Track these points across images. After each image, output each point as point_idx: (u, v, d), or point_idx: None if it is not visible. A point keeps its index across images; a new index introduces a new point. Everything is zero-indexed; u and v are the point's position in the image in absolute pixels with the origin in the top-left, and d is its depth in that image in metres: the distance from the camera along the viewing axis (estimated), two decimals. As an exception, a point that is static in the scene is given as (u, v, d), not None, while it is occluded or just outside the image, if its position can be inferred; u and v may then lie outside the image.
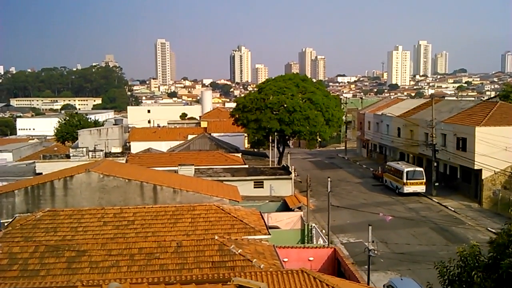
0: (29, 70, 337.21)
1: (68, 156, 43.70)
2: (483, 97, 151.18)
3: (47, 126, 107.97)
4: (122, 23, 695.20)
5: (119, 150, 60.58)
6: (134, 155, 48.17)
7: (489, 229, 35.38)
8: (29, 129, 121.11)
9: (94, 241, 19.73)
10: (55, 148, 66.98)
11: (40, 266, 17.74)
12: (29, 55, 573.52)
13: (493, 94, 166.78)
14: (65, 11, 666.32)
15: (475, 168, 42.50)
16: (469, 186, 44.98)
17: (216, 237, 19.63)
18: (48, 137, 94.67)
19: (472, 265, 10.97)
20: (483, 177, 42.69)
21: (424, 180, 46.48)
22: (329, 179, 31.66)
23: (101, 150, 45.98)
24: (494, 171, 41.97)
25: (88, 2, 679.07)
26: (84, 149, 43.44)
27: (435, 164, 47.41)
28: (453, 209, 41.74)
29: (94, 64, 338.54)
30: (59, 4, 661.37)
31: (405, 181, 46.29)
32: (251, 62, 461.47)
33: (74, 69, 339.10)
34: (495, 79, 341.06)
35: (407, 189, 46.26)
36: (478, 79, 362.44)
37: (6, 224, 23.05)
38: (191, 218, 22.33)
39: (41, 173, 35.74)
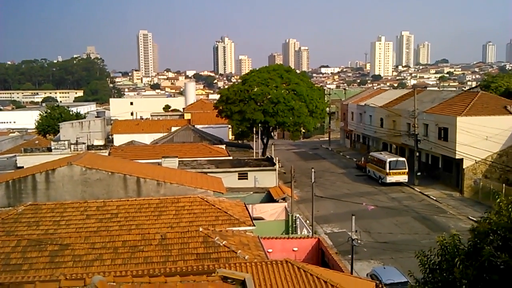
0: (9, 63, 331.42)
1: (49, 149, 43.17)
2: (465, 87, 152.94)
3: (28, 119, 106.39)
4: (104, 14, 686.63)
5: (101, 143, 59.95)
6: (117, 148, 47.80)
7: (470, 217, 36.00)
8: (10, 122, 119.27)
9: (77, 234, 19.60)
10: (37, 142, 66.10)
11: (22, 260, 17.58)
12: (8, 48, 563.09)
13: (474, 84, 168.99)
14: (46, 2, 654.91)
15: (457, 157, 43.10)
16: (451, 176, 45.62)
17: (201, 229, 19.65)
18: (29, 130, 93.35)
19: (452, 253, 11.15)
20: (464, 167, 43.34)
21: (407, 170, 46.95)
22: (313, 170, 31.84)
23: (83, 143, 45.50)
24: (475, 160, 42.66)
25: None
26: (66, 142, 42.95)
27: (417, 154, 47.92)
28: (435, 198, 42.34)
29: (75, 56, 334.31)
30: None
31: (387, 171, 46.72)
32: (234, 53, 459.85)
33: (55, 61, 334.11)
34: (476, 69, 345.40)
35: (390, 179, 46.70)
36: (460, 69, 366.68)
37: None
38: (175, 210, 22.30)
39: (22, 167, 35.28)
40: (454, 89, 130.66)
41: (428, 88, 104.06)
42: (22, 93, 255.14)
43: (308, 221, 33.70)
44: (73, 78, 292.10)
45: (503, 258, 9.83)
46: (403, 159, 48.40)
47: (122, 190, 25.22)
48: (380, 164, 48.36)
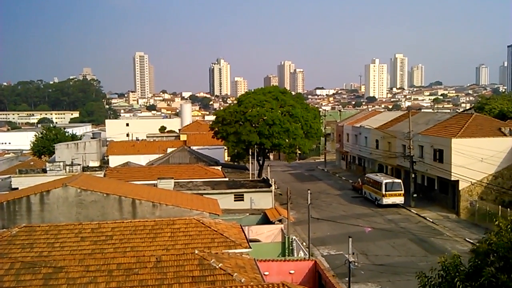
0: (5, 84, 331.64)
1: (44, 171, 42.95)
2: (459, 109, 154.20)
3: (23, 140, 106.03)
4: (100, 36, 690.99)
5: (97, 164, 59.77)
6: (112, 169, 47.57)
7: (467, 239, 35.85)
8: (5, 143, 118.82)
9: (71, 257, 19.34)
10: (32, 163, 65.84)
11: (16, 283, 17.29)
12: (5, 69, 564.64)
13: (468, 106, 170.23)
14: (42, 23, 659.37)
15: (452, 179, 43.12)
16: (447, 197, 45.60)
17: (196, 252, 19.45)
18: (24, 151, 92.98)
19: (453, 274, 11.08)
20: (460, 188, 43.34)
21: (403, 192, 46.92)
22: (309, 191, 31.74)
23: (79, 164, 45.35)
24: (471, 182, 42.67)
25: (65, 15, 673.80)
26: (61, 163, 42.79)
27: (413, 175, 47.99)
28: (431, 220, 42.21)
29: (71, 77, 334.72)
30: (35, 17, 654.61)
31: (384, 192, 46.66)
32: (230, 75, 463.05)
33: (51, 82, 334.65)
34: (470, 92, 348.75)
35: (386, 200, 46.62)
36: (454, 91, 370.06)
37: (-20, 241, 22.45)
38: (170, 232, 22.09)
39: (17, 188, 35.01)
40: (448, 111, 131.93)
41: (422, 110, 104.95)
42: (18, 114, 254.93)
43: (304, 243, 33.46)
44: (69, 99, 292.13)
45: (503, 279, 9.78)
46: (399, 180, 48.39)
47: (117, 212, 25.03)
48: (376, 185, 48.31)
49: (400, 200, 46.74)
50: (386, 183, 46.98)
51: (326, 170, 74.46)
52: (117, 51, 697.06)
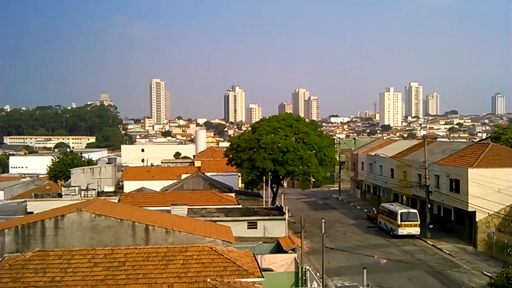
0: (24, 108, 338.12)
1: (60, 195, 43.23)
2: (475, 139, 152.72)
3: (40, 165, 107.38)
4: (118, 62, 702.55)
5: (112, 189, 60.08)
6: (126, 194, 47.72)
7: (485, 272, 34.99)
8: (22, 167, 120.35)
9: (83, 282, 19.31)
10: (47, 187, 66.46)
11: (27, 309, 17.25)
12: (24, 94, 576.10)
13: (484, 135, 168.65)
14: (61, 50, 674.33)
15: (469, 210, 42.38)
16: (464, 228, 44.75)
17: (208, 280, 19.28)
18: (40, 176, 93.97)
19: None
20: (477, 219, 42.53)
21: (419, 222, 46.22)
22: (323, 220, 31.44)
23: (94, 189, 45.56)
24: (488, 213, 41.90)
25: (84, 42, 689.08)
26: (77, 188, 43.05)
27: (429, 205, 47.29)
28: (448, 252, 41.37)
29: (89, 102, 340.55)
30: (55, 44, 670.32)
31: (399, 223, 46.03)
32: (245, 102, 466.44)
33: (69, 108, 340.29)
34: (486, 121, 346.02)
35: (402, 231, 45.94)
36: (469, 120, 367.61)
37: (-6, 264, 22.54)
38: (183, 259, 21.96)
39: (32, 212, 35.25)
40: (464, 140, 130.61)
41: (438, 139, 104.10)
42: (35, 138, 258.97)
43: (318, 274, 32.94)
44: (86, 125, 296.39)
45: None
46: (415, 211, 47.74)
47: (130, 238, 24.98)
48: (392, 215, 47.71)
49: (416, 230, 46.00)
50: (401, 213, 46.37)
51: (340, 199, 73.85)
52: (134, 77, 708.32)
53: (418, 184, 50.56)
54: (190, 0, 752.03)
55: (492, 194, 41.23)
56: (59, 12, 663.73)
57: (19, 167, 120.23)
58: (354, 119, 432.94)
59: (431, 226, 46.20)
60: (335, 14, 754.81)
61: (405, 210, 47.26)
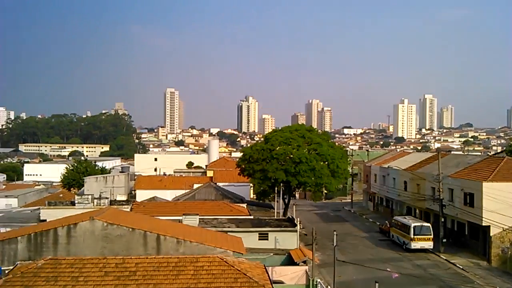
0: (39, 116, 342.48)
1: (73, 203, 43.56)
2: (490, 152, 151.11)
3: (54, 172, 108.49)
4: (133, 71, 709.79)
5: (124, 198, 60.38)
6: (139, 204, 47.96)
7: (499, 288, 34.43)
8: (36, 174, 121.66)
9: (94, 292, 19.34)
10: (61, 195, 67.03)
11: (38, 317, 17.32)
12: (40, 102, 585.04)
13: (499, 149, 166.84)
14: (77, 59, 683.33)
15: (483, 224, 41.80)
16: (477, 243, 44.12)
17: (219, 291, 19.19)
18: (54, 183, 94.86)
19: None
20: (491, 234, 41.93)
21: (432, 236, 45.70)
22: (335, 232, 31.24)
23: (106, 198, 45.85)
24: (503, 228, 41.29)
25: (99, 50, 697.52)
26: (89, 196, 43.38)
27: (443, 219, 46.77)
28: (461, 267, 40.77)
29: (103, 111, 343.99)
30: (71, 52, 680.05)
31: (412, 236, 45.55)
32: (258, 112, 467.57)
33: (84, 116, 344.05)
34: (501, 134, 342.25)
35: (415, 245, 45.43)
36: (484, 133, 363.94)
37: (7, 271, 22.73)
38: (193, 270, 21.92)
39: (45, 220, 35.57)
40: (479, 153, 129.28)
41: (452, 152, 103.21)
42: (50, 146, 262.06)
43: (329, 287, 32.66)
44: (100, 133, 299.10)
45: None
46: (428, 224, 47.23)
47: (141, 247, 25.02)
48: (404, 229, 47.24)
49: (429, 245, 45.46)
50: (414, 227, 45.91)
51: (352, 211, 73.40)
52: (149, 87, 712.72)
53: (432, 197, 50.07)
54: (204, 10, 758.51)
55: (507, 209, 40.65)
56: (74, 21, 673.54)
57: (34, 175, 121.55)
58: (367, 131, 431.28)
59: (444, 240, 45.64)
60: (349, 26, 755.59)
61: (418, 224, 46.80)
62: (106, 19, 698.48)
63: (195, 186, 63.29)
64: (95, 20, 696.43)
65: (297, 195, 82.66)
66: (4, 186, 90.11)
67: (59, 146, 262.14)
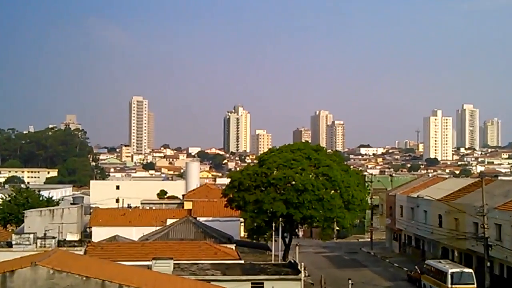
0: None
1: (10, 245, 43.25)
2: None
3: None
4: (89, 77, 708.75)
5: (76, 237, 59.80)
6: (95, 245, 47.78)
7: None
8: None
9: None
10: (-6, 234, 66.37)
11: None
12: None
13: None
14: (16, 60, 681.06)
15: (541, 270, 41.96)
16: (534, 294, 44.21)
17: None
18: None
19: None
20: (552, 283, 42.06)
21: (475, 285, 45.87)
22: (350, 281, 31.20)
23: (53, 238, 45.58)
24: None
25: (44, 48, 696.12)
26: (31, 236, 43.06)
27: (488, 263, 46.90)
28: (514, 325, 40.78)
29: (50, 126, 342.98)
30: (7, 52, 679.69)
31: (450, 286, 45.65)
32: (250, 127, 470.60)
33: (25, 132, 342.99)
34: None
35: (453, 296, 45.58)
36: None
37: None
38: (167, 331, 21.73)
39: (-27, 266, 35.21)
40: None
41: (499, 178, 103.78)
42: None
43: None
44: (46, 154, 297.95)
45: None
46: (470, 270, 47.47)
47: (98, 301, 24.85)
48: (440, 276, 47.39)
49: (471, 296, 45.64)
50: (452, 274, 46.08)
51: (372, 254, 73.49)
52: (109, 95, 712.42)
53: (474, 235, 50.25)
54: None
55: None
56: (12, 11, 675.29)
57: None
58: (390, 150, 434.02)
59: (491, 290, 45.78)
60: (365, 21, 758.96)
61: (458, 270, 47.02)
62: (53, 8, 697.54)
63: (169, 221, 63.11)
64: (39, 9, 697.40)
65: (300, 233, 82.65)
66: None
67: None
